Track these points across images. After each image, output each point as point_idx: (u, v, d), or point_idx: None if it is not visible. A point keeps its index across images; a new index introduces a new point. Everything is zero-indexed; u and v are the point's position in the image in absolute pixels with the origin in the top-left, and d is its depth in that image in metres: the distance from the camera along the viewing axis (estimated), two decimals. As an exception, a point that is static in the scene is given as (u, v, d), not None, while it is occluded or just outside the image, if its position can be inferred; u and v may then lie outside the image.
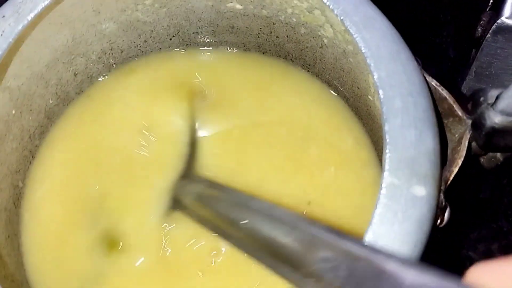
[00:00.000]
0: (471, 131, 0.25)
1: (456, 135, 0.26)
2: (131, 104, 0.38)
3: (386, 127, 0.24)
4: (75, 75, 0.37)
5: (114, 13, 0.34)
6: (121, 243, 0.34)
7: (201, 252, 0.33)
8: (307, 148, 0.36)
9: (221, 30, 0.38)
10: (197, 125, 0.37)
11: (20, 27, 0.28)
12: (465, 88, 0.36)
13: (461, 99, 0.26)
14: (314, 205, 0.34)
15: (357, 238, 0.20)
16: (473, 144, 0.26)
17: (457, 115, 0.26)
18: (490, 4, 0.35)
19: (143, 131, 0.37)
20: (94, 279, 0.34)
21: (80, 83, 0.38)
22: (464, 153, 0.25)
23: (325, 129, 0.37)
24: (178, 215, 0.34)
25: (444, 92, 0.26)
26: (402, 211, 0.23)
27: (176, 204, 0.34)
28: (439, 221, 0.24)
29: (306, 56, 0.37)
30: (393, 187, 0.23)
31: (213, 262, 0.33)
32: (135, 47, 0.38)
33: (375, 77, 0.25)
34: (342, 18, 0.27)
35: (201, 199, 0.31)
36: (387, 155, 0.24)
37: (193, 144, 0.36)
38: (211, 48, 0.39)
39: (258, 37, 0.37)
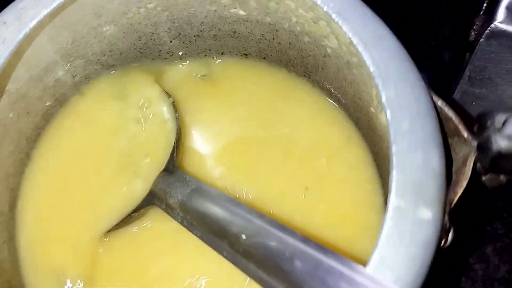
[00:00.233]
0: (476, 153, 0.25)
1: (460, 155, 0.27)
2: (125, 104, 0.38)
3: (394, 149, 0.24)
4: (73, 76, 0.36)
5: (115, 16, 0.34)
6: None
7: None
8: (305, 157, 0.36)
9: (223, 34, 0.37)
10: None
11: (22, 35, 0.27)
12: (459, 92, 0.37)
13: (467, 120, 0.26)
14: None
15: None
16: (478, 164, 0.26)
17: (462, 136, 0.26)
18: (484, 8, 0.35)
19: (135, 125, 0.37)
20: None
21: (78, 84, 0.37)
22: (469, 174, 0.25)
23: (323, 137, 0.37)
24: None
25: (450, 112, 0.26)
26: (409, 234, 0.23)
27: (153, 198, 0.34)
28: (442, 242, 0.24)
29: (308, 64, 0.36)
30: (399, 210, 0.23)
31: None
32: (134, 49, 0.37)
33: (383, 97, 0.25)
34: (350, 35, 0.27)
35: (186, 205, 0.32)
36: (394, 177, 0.24)
37: (178, 137, 0.36)
38: (211, 51, 0.39)
39: (260, 42, 0.37)
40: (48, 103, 0.36)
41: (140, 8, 0.34)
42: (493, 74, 0.35)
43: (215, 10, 0.35)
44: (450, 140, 0.27)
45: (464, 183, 0.25)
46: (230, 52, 0.39)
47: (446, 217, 0.24)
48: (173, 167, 0.34)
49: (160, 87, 0.37)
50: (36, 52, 0.32)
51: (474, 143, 0.26)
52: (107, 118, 0.37)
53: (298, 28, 0.34)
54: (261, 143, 0.37)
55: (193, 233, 0.30)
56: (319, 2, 0.27)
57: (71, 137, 0.37)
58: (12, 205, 0.35)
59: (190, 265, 0.33)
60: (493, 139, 0.24)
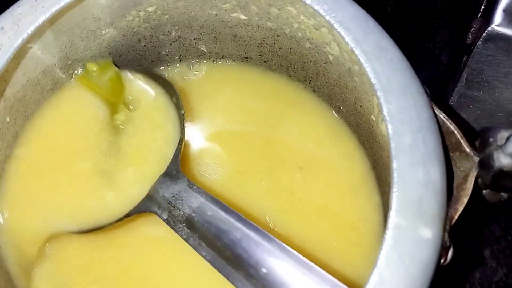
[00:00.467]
0: (477, 169, 0.25)
1: (462, 169, 0.26)
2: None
3: (394, 165, 0.24)
4: (71, 78, 0.36)
5: (115, 19, 0.33)
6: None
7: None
8: (302, 163, 0.36)
9: (223, 38, 0.37)
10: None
11: (19, 41, 0.27)
12: (456, 95, 0.36)
13: (469, 135, 0.26)
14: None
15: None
16: (479, 180, 0.26)
17: (464, 151, 0.26)
18: (481, 10, 0.35)
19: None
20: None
21: (77, 87, 0.37)
22: (470, 191, 0.25)
23: (322, 143, 0.36)
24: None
25: (452, 126, 0.26)
26: (409, 253, 0.23)
27: (152, 205, 0.32)
28: (442, 260, 0.24)
29: (308, 69, 0.36)
30: (399, 228, 0.23)
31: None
32: (134, 51, 0.37)
33: (385, 110, 0.25)
34: (352, 46, 0.26)
35: (194, 221, 0.29)
36: (394, 194, 0.24)
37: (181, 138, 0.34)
38: (211, 54, 0.39)
39: (261, 46, 0.37)
40: (45, 105, 0.35)
41: (140, 11, 0.33)
42: (491, 77, 0.34)
43: (216, 14, 0.34)
44: (451, 155, 0.27)
45: (465, 200, 0.25)
46: (230, 55, 0.38)
47: (446, 235, 0.24)
48: (177, 172, 0.32)
49: (158, 85, 0.36)
50: (33, 56, 0.31)
51: (476, 159, 0.25)
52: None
53: (299, 34, 0.33)
54: (259, 148, 0.36)
55: (201, 254, 0.28)
56: (321, 12, 0.27)
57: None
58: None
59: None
60: (495, 156, 0.24)
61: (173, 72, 0.39)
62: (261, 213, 0.34)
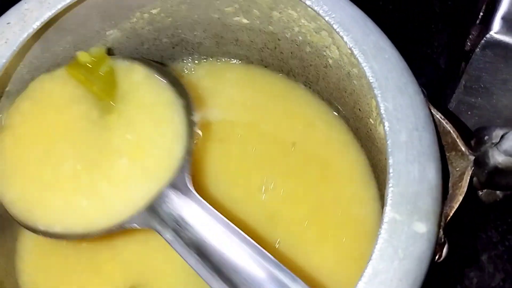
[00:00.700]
0: (473, 168, 0.25)
1: (458, 169, 0.27)
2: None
3: (390, 161, 0.24)
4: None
5: (119, 20, 0.34)
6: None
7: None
8: (303, 165, 0.36)
9: (225, 42, 0.37)
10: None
11: (25, 35, 0.27)
12: (454, 101, 0.37)
13: (465, 134, 0.26)
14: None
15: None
16: (474, 179, 0.26)
17: (460, 150, 0.26)
18: (479, 17, 0.35)
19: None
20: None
21: (80, 87, 0.37)
22: (465, 189, 0.25)
23: (322, 147, 0.37)
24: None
25: (448, 126, 0.26)
26: (403, 247, 0.23)
27: (152, 220, 0.28)
28: (437, 256, 0.24)
29: (309, 74, 0.36)
30: (394, 222, 0.23)
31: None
32: (137, 53, 0.38)
33: (382, 108, 0.25)
34: (351, 46, 0.27)
35: (206, 248, 0.26)
36: (390, 189, 0.24)
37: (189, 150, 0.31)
38: (213, 59, 0.39)
39: (262, 51, 0.37)
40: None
41: (144, 13, 0.34)
42: (489, 83, 0.35)
43: (219, 18, 0.35)
44: (447, 154, 0.27)
45: (460, 198, 0.25)
46: (232, 59, 0.39)
47: (441, 231, 0.24)
48: (185, 188, 0.28)
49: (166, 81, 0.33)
50: (38, 54, 0.32)
51: (472, 158, 0.26)
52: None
53: (300, 38, 0.34)
54: (259, 151, 0.37)
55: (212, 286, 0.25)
56: (321, 12, 0.28)
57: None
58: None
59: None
60: (490, 154, 0.24)
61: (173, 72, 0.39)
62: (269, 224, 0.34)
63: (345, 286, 0.30)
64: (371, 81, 0.26)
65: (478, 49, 0.33)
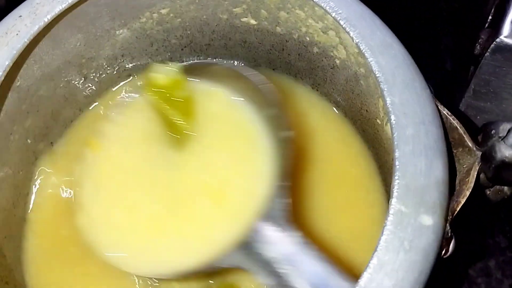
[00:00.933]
0: (480, 163, 0.25)
1: (465, 166, 0.26)
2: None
3: (396, 154, 0.24)
4: (85, 79, 0.37)
5: (129, 20, 0.35)
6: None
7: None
8: (310, 168, 0.36)
9: (233, 43, 0.38)
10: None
11: (36, 28, 0.28)
12: (463, 105, 0.37)
13: (472, 130, 0.26)
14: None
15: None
16: (481, 176, 0.26)
17: (467, 146, 0.26)
18: (488, 21, 0.35)
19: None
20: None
21: (89, 87, 0.37)
22: (472, 184, 0.25)
23: (330, 150, 0.36)
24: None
25: (455, 122, 0.26)
26: (409, 239, 0.23)
27: (245, 260, 0.24)
28: (443, 251, 0.24)
29: (316, 76, 0.37)
30: (400, 214, 0.23)
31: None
32: (146, 54, 0.38)
33: (388, 102, 0.25)
34: (357, 41, 0.27)
35: None
36: (396, 181, 0.24)
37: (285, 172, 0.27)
38: (221, 61, 0.39)
39: (270, 53, 0.37)
40: (58, 104, 0.36)
41: (153, 13, 0.35)
42: (498, 88, 0.35)
43: (227, 19, 0.35)
44: (454, 151, 0.27)
45: (467, 193, 0.25)
46: (239, 62, 0.39)
47: (448, 226, 0.24)
48: (283, 223, 0.24)
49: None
50: (49, 50, 0.32)
51: (478, 154, 0.25)
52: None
53: (307, 38, 0.34)
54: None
55: None
56: (328, 9, 0.28)
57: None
58: (16, 202, 0.35)
59: None
60: (497, 148, 0.24)
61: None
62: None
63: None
64: (377, 75, 0.26)
65: (487, 53, 0.33)
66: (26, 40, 0.27)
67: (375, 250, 0.23)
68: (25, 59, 0.30)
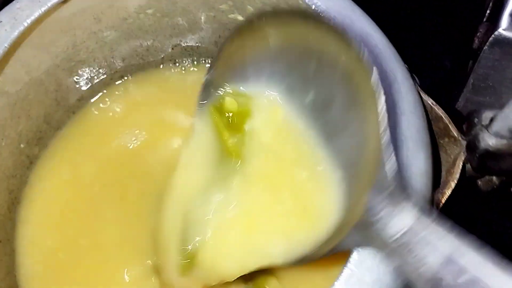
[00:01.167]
0: (466, 153, 0.24)
1: (452, 156, 0.26)
2: (137, 116, 0.38)
3: (377, 146, 0.24)
4: (76, 82, 0.37)
5: (115, 21, 0.34)
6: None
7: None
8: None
9: (223, 41, 0.37)
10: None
11: (16, 33, 0.28)
12: (462, 100, 0.36)
13: (457, 119, 0.25)
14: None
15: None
16: (468, 166, 0.25)
17: (453, 136, 0.25)
18: (486, 15, 0.34)
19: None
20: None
21: (81, 90, 0.38)
22: (458, 175, 0.24)
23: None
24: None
25: (440, 111, 0.26)
26: (390, 233, 0.22)
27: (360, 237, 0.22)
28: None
29: (307, 70, 0.36)
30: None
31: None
32: (136, 55, 0.38)
33: (368, 94, 0.25)
34: (338, 33, 0.26)
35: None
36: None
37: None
38: (213, 59, 0.39)
39: (260, 49, 0.37)
40: (50, 108, 0.36)
41: (139, 13, 0.35)
42: (497, 82, 0.34)
43: (214, 16, 0.35)
44: (441, 141, 0.26)
45: (452, 184, 0.24)
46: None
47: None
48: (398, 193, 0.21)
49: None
50: (36, 54, 0.32)
51: (464, 143, 0.25)
52: (117, 133, 0.37)
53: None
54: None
55: None
56: (307, 1, 0.27)
57: (77, 147, 0.37)
58: (11, 206, 0.35)
59: None
60: (480, 136, 0.23)
61: (178, 78, 0.40)
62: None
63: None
64: (357, 67, 0.25)
65: (486, 47, 0.32)
66: (6, 45, 0.27)
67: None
68: (8, 64, 0.30)
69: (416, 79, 0.27)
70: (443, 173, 0.26)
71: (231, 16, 0.35)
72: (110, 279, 0.33)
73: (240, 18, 0.35)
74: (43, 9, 0.28)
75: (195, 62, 0.39)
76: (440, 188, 0.25)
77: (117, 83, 0.39)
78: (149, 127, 0.38)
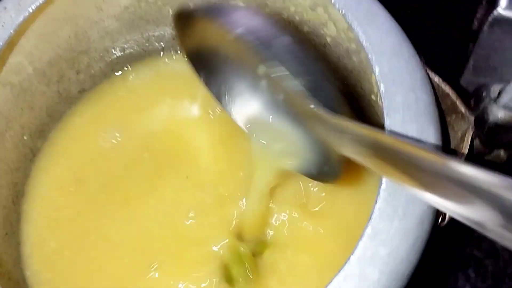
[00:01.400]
0: (474, 128, 0.25)
1: (459, 133, 0.26)
2: (135, 106, 0.38)
3: (387, 122, 0.24)
4: (77, 73, 0.37)
5: (116, 10, 0.34)
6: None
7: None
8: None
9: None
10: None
11: (21, 19, 0.28)
12: (463, 83, 0.36)
13: (464, 95, 0.26)
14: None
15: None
16: (477, 142, 0.25)
17: (460, 112, 0.25)
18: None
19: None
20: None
21: (83, 82, 0.37)
22: (467, 149, 0.24)
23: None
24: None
25: (447, 88, 0.26)
26: (403, 206, 0.22)
27: None
28: (440, 219, 0.24)
29: (309, 57, 0.36)
30: (393, 182, 0.23)
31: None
32: (137, 46, 0.38)
33: (377, 71, 0.25)
34: (344, 12, 0.27)
35: None
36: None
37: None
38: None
39: (261, 37, 0.37)
40: (53, 100, 0.36)
41: (140, 2, 0.35)
42: (497, 63, 0.34)
43: (215, 3, 0.35)
44: (448, 118, 0.26)
45: (462, 159, 0.24)
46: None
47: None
48: None
49: None
50: (38, 44, 0.32)
51: (472, 118, 0.25)
52: (116, 123, 0.37)
53: (297, 17, 0.34)
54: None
55: None
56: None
57: (78, 138, 0.37)
58: (16, 199, 0.35)
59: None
60: (489, 110, 0.23)
61: (179, 68, 0.40)
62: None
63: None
64: (365, 45, 0.26)
65: (485, 27, 0.32)
66: (11, 31, 0.27)
67: (369, 219, 0.22)
68: (14, 54, 0.30)
69: (421, 57, 0.27)
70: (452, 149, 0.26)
71: (232, 3, 0.35)
72: (114, 271, 0.33)
73: (241, 4, 0.35)
74: (47, -5, 0.28)
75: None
76: (449, 163, 0.25)
77: (117, 73, 0.39)
78: (152, 117, 0.38)
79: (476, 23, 0.34)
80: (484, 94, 0.24)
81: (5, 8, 0.28)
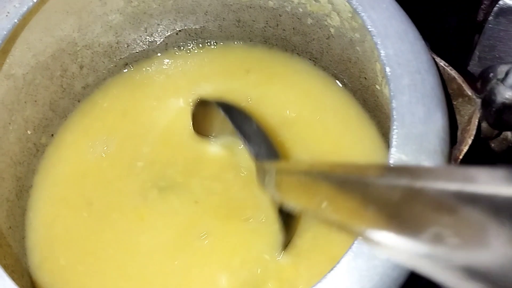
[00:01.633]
0: (480, 110, 0.25)
1: (466, 117, 0.26)
2: (143, 103, 0.38)
3: (394, 104, 0.24)
4: (81, 68, 0.37)
5: (120, 4, 0.34)
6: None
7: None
8: (312, 141, 0.36)
9: (228, 24, 0.38)
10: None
11: (25, 8, 0.28)
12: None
13: (470, 79, 0.25)
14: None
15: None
16: (483, 125, 0.25)
17: (467, 95, 0.25)
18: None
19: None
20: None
21: (86, 77, 0.37)
22: (474, 132, 0.24)
23: (331, 122, 0.36)
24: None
25: (453, 72, 0.26)
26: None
27: None
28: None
29: (313, 49, 0.36)
30: (401, 162, 0.23)
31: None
32: (141, 41, 0.38)
33: (382, 54, 0.25)
34: (348, -2, 0.27)
35: None
36: (394, 131, 0.23)
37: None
38: (217, 43, 0.39)
39: (265, 30, 0.37)
40: (56, 94, 0.36)
41: (144, -5, 0.35)
42: (503, 53, 0.34)
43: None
44: (454, 102, 0.26)
45: (469, 141, 0.24)
46: (235, 43, 0.39)
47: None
48: None
49: None
50: (42, 37, 0.32)
51: (478, 101, 0.25)
52: (125, 121, 0.37)
53: (300, 9, 0.34)
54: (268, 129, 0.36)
55: None
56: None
57: (83, 135, 0.37)
58: (19, 193, 0.35)
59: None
60: (496, 90, 0.23)
61: (182, 63, 0.40)
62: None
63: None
64: (369, 29, 0.26)
65: (491, 17, 0.32)
66: (16, 20, 0.27)
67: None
68: (17, 46, 0.30)
69: (426, 42, 0.27)
70: (459, 133, 0.26)
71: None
72: (118, 264, 0.33)
73: (244, -2, 0.35)
74: (51, -15, 0.28)
75: (200, 45, 0.39)
76: (457, 145, 0.25)
77: (121, 70, 0.39)
78: (157, 114, 0.37)
79: (481, 14, 0.34)
80: (491, 75, 0.24)
81: (9, -2, 0.28)
